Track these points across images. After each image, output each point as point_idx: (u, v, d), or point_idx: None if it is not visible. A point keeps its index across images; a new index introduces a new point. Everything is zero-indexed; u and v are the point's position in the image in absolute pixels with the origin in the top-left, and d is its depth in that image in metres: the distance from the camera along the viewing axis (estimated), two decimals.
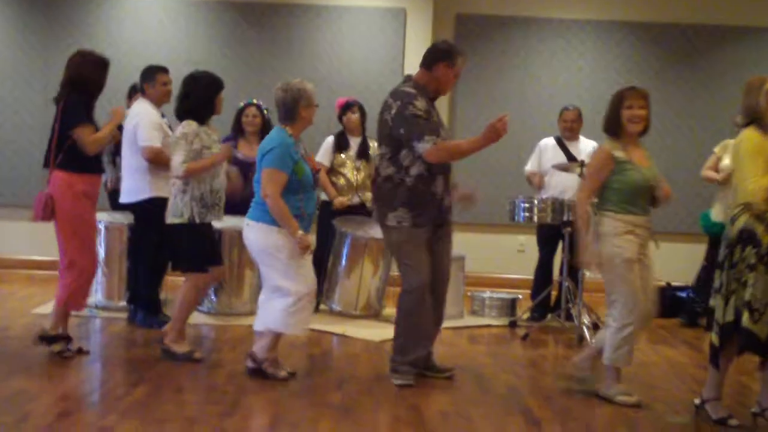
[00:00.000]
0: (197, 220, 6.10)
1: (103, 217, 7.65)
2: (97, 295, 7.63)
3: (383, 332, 7.17)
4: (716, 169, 7.98)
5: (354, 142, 8.08)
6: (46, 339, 6.10)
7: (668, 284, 8.76)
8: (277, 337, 5.84)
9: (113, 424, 4.83)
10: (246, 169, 7.65)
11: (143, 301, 7.14)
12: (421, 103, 5.72)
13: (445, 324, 7.52)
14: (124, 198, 7.17)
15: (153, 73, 7.14)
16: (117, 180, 7.67)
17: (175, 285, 7.75)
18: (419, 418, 5.21)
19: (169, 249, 6.59)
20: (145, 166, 6.98)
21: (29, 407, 5.11)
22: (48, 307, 7.50)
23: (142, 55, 9.14)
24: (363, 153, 8.05)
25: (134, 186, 7.06)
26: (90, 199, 6.10)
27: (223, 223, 7.54)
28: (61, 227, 6.05)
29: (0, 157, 9.55)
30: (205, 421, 5.01)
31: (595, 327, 7.41)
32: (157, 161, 6.89)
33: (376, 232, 7.69)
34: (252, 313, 7.24)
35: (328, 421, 5.07)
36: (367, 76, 9.55)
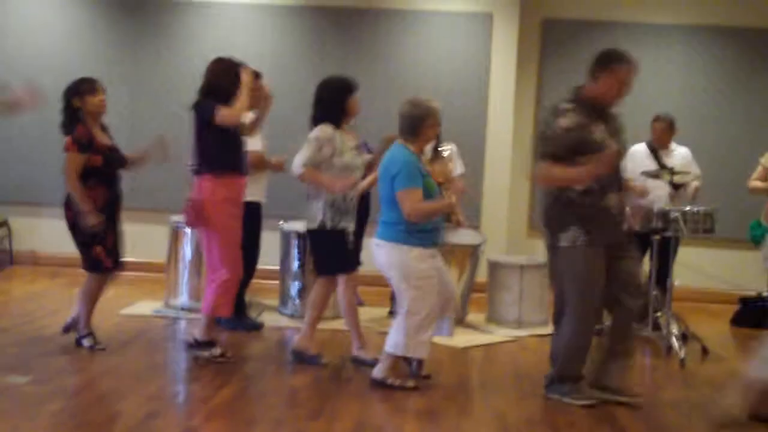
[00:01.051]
0: (329, 226, 6.09)
1: None
2: (182, 296, 7.72)
3: (467, 338, 7.13)
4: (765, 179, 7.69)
5: (428, 148, 8.02)
6: (198, 345, 6.18)
7: (759, 295, 8.55)
8: (395, 358, 5.80)
9: (199, 425, 4.89)
10: None
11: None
12: (567, 120, 5.39)
13: (531, 331, 7.49)
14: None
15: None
16: None
17: (260, 288, 7.82)
18: (503, 425, 5.16)
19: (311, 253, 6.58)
20: None
21: (118, 407, 5.19)
22: (135, 309, 7.64)
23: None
24: (436, 155, 7.99)
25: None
26: (232, 203, 6.11)
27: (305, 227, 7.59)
28: (206, 233, 6.11)
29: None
30: (290, 424, 5.03)
31: (684, 337, 7.25)
32: (257, 166, 6.93)
33: (460, 237, 7.65)
34: (336, 317, 7.26)
35: (412, 427, 5.05)
36: (451, 82, 9.50)
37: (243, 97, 6.02)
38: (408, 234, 5.59)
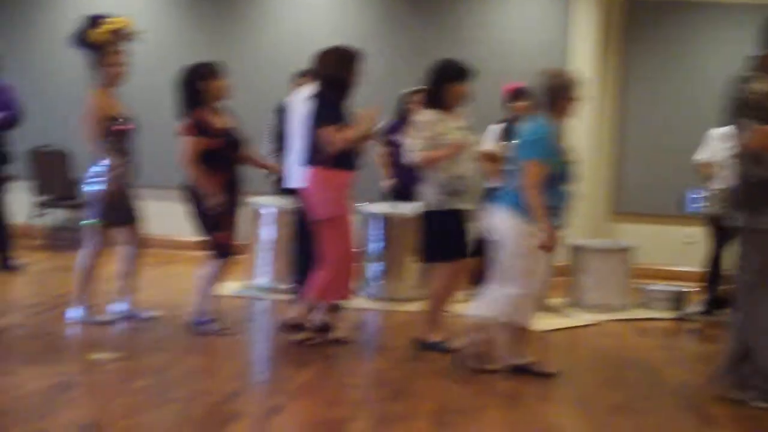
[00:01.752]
0: (440, 208, 5.98)
1: (271, 201, 7.79)
2: (264, 277, 7.77)
3: (548, 322, 7.05)
4: None
5: (497, 129, 7.94)
6: (289, 326, 6.23)
7: None
8: (513, 330, 5.63)
9: (282, 404, 4.90)
10: None
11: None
12: (763, 85, 5.08)
13: (612, 316, 7.40)
14: (299, 183, 7.15)
15: None
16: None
17: None
18: (587, 411, 5.10)
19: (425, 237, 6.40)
20: None
21: (203, 385, 5.24)
22: (217, 289, 7.69)
23: (309, 40, 9.18)
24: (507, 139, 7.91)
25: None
26: (344, 194, 6.05)
27: (388, 209, 7.58)
28: (316, 222, 6.08)
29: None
30: (372, 405, 5.03)
31: None
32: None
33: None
34: (415, 298, 7.25)
35: (496, 410, 5.01)
36: (529, 62, 9.37)
37: (360, 128, 5.93)
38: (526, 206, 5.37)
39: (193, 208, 6.17)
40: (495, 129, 7.93)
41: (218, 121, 6.20)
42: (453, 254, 6.04)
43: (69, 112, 9.86)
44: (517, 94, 7.89)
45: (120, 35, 6.34)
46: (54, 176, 9.56)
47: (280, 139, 7.77)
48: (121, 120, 6.30)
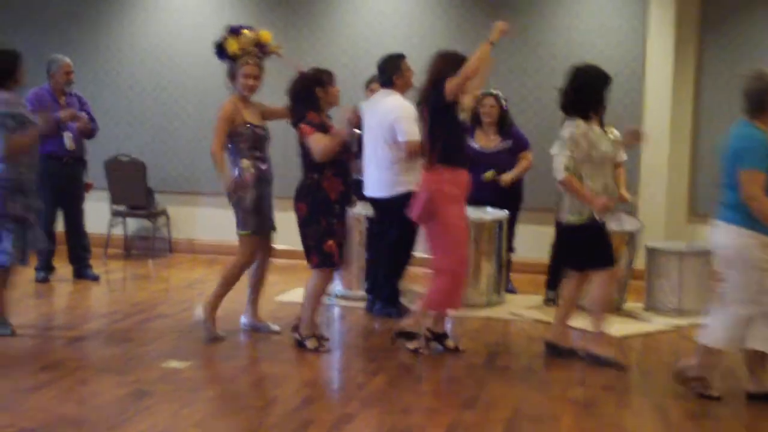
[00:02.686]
0: (591, 219, 5.85)
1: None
2: (336, 284, 7.78)
3: (624, 327, 6.94)
4: None
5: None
6: (403, 335, 6.18)
7: None
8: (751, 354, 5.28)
9: (355, 411, 4.89)
10: (481, 159, 7.59)
11: (382, 291, 7.18)
12: None
13: (691, 321, 7.24)
14: (374, 192, 7.11)
15: (397, 63, 7.11)
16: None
17: (416, 276, 7.78)
18: (664, 418, 4.99)
19: (562, 247, 6.38)
20: (400, 160, 6.94)
21: (274, 392, 5.26)
22: (290, 295, 7.72)
23: (380, 47, 9.17)
24: None
25: (387, 180, 6.97)
26: (457, 197, 6.01)
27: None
28: (431, 228, 6.06)
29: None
30: (445, 412, 4.99)
31: None
32: (417, 156, 6.91)
33: (619, 224, 7.43)
34: (489, 304, 7.19)
35: (570, 417, 4.95)
36: (605, 62, 9.18)
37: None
38: (752, 218, 5.08)
39: (305, 217, 6.09)
40: None
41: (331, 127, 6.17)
42: (595, 265, 5.93)
43: (145, 123, 10.05)
44: None
45: (256, 46, 6.42)
46: (130, 186, 9.69)
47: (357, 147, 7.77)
48: (251, 128, 6.29)
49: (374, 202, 7.15)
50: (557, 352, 6.08)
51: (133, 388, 5.13)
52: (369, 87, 7.74)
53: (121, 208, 9.76)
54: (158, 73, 10.04)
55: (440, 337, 6.21)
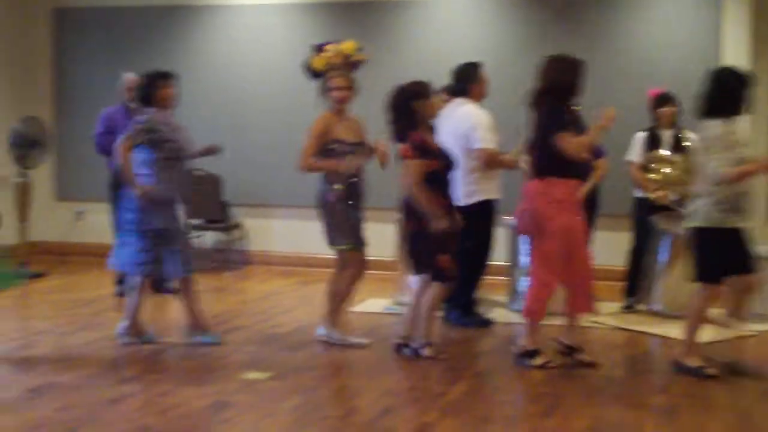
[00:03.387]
0: (716, 225, 5.68)
1: None
2: (405, 293, 7.75)
3: (706, 332, 6.81)
4: None
5: (666, 136, 7.74)
6: (524, 354, 6.03)
7: None
8: None
9: (434, 421, 4.88)
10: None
11: (459, 300, 7.15)
12: None
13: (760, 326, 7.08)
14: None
15: (474, 71, 7.10)
16: None
17: (489, 284, 7.74)
18: (748, 423, 4.90)
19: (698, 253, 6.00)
20: (476, 168, 6.93)
21: (354, 402, 5.29)
22: (365, 306, 7.73)
23: (450, 57, 9.15)
24: (677, 146, 7.69)
25: (463, 189, 6.92)
26: (564, 206, 5.89)
27: None
28: (536, 239, 6.00)
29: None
30: (524, 421, 4.97)
31: None
32: (492, 164, 6.89)
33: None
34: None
35: (651, 425, 4.89)
36: (678, 66, 9.11)
37: (592, 135, 5.86)
38: None
39: (414, 233, 6.09)
40: (641, 137, 7.75)
41: (433, 141, 6.16)
42: (720, 274, 5.75)
43: (220, 137, 10.14)
44: (662, 99, 7.70)
45: (341, 59, 6.46)
46: (206, 199, 9.81)
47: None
48: (342, 145, 6.30)
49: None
50: (685, 371, 5.80)
51: (214, 399, 5.18)
52: (441, 97, 7.70)
53: (198, 221, 9.88)
54: (232, 87, 10.14)
55: (571, 350, 6.08)
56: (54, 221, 10.58)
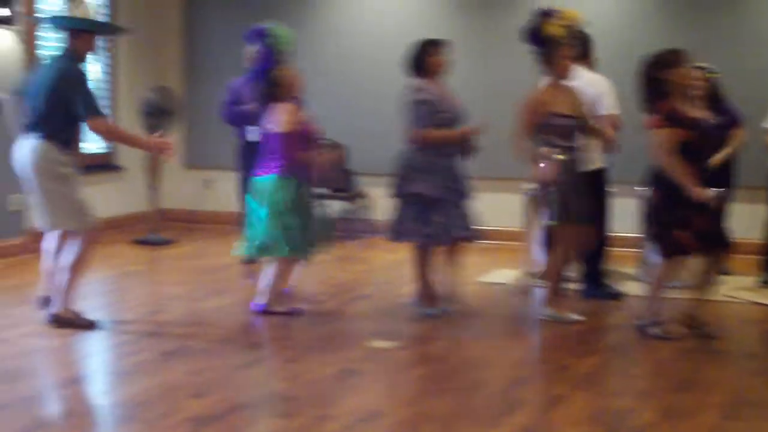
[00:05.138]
0: None
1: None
2: (532, 265, 7.62)
3: None
4: None
5: None
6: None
7: None
8: None
9: (565, 394, 4.78)
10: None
11: (588, 273, 7.00)
12: None
13: None
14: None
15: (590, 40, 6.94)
16: None
17: (619, 256, 7.57)
18: None
19: None
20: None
21: (482, 374, 5.22)
22: (493, 276, 7.65)
23: None
24: None
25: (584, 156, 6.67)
26: None
27: None
28: None
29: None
30: (658, 396, 4.84)
31: None
32: (618, 129, 6.71)
33: None
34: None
35: None
36: None
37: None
38: None
39: (657, 204, 5.90)
40: None
41: (692, 112, 5.94)
42: None
43: (345, 106, 10.16)
44: None
45: (571, 29, 6.24)
46: (331, 168, 9.81)
47: None
48: (558, 119, 6.13)
49: None
50: None
51: (341, 367, 5.19)
52: None
53: (323, 191, 9.90)
54: (358, 56, 10.12)
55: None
56: (182, 189, 10.76)
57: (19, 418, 4.35)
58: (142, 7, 10.43)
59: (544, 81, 6.32)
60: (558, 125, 6.12)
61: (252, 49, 7.92)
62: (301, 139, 6.22)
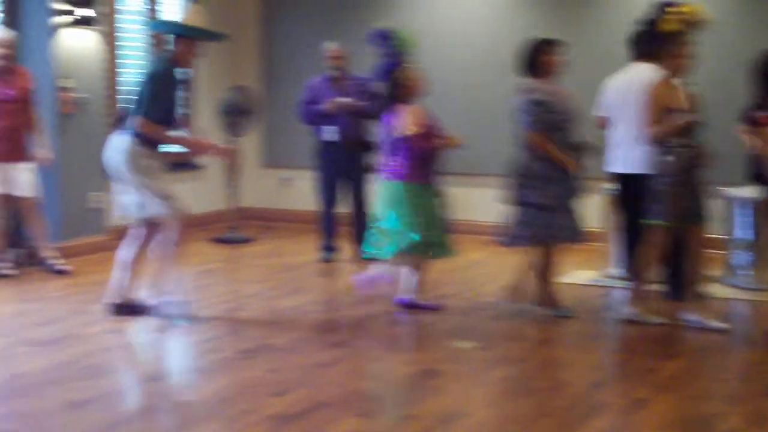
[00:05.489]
0: None
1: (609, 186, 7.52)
2: (619, 266, 7.53)
3: None
4: None
5: None
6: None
7: None
8: None
9: (648, 397, 4.71)
10: None
11: (672, 274, 6.83)
12: None
13: None
14: (624, 168, 6.78)
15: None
16: None
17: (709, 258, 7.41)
18: None
19: None
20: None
21: (563, 375, 5.19)
22: (572, 277, 7.55)
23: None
24: None
25: (640, 156, 6.42)
26: None
27: (758, 193, 7.07)
28: None
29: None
30: (746, 401, 4.74)
31: None
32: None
33: None
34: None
35: None
36: None
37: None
38: None
39: None
40: None
41: None
42: None
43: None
44: None
45: (690, 24, 6.07)
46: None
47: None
48: (679, 112, 6.00)
49: (628, 179, 6.78)
50: None
51: (423, 367, 5.17)
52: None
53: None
54: (434, 55, 10.06)
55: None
56: (260, 188, 10.84)
57: (101, 414, 4.42)
58: (221, 7, 10.52)
59: (653, 76, 6.15)
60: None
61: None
62: (427, 139, 6.22)
